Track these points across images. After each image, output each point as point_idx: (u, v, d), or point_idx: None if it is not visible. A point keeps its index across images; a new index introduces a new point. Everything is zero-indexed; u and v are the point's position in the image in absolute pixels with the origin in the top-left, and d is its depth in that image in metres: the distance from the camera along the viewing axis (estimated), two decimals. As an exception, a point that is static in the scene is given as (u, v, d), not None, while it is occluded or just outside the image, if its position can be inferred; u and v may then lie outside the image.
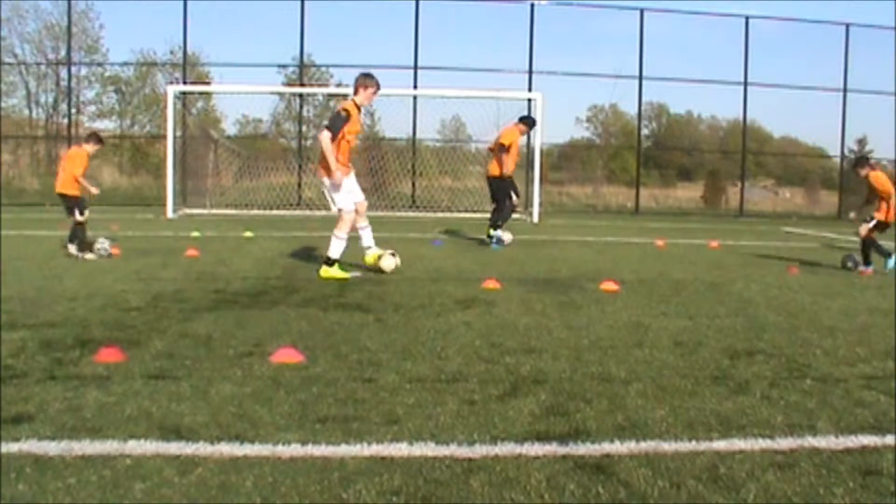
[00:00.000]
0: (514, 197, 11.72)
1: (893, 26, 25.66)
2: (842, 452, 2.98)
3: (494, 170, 11.70)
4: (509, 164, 11.64)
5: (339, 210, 7.74)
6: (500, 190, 11.69)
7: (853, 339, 5.16)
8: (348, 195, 7.78)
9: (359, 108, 7.76)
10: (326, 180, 7.67)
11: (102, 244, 9.38)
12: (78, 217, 9.45)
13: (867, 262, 9.36)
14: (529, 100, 21.39)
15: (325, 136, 7.52)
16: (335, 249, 7.72)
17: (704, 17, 30.10)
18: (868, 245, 9.45)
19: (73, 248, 9.33)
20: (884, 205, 9.37)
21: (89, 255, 9.26)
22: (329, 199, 7.84)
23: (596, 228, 16.22)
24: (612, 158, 32.12)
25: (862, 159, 10.10)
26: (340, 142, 7.59)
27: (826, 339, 5.15)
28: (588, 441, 3.05)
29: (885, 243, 9.61)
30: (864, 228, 9.38)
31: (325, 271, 7.67)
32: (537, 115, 20.50)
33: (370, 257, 8.01)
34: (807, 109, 27.90)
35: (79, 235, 9.42)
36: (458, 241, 12.79)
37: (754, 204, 29.36)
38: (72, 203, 9.52)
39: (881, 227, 9.46)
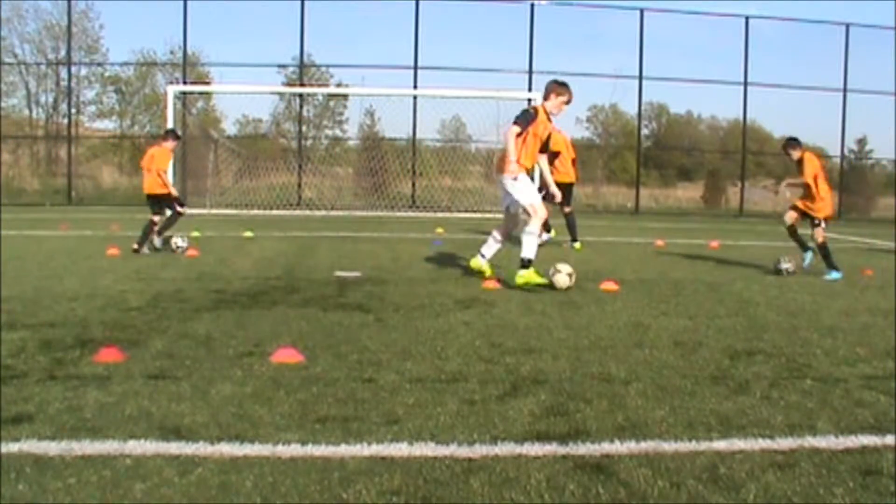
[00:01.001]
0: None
1: (893, 26, 25.67)
2: (842, 452, 2.98)
3: (572, 176, 11.66)
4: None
5: (530, 205, 7.26)
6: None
7: (853, 339, 5.16)
8: (531, 189, 7.40)
9: (547, 115, 7.39)
10: (506, 178, 7.22)
11: (179, 241, 9.77)
12: (179, 209, 10.01)
13: (831, 267, 8.65)
14: (529, 100, 21.37)
15: (512, 129, 7.13)
16: (529, 248, 7.13)
17: (704, 17, 30.10)
18: (792, 234, 9.15)
19: (158, 241, 9.87)
20: (815, 192, 8.73)
21: (171, 246, 9.75)
22: (517, 200, 7.35)
23: (596, 228, 16.21)
24: (612, 158, 32.09)
25: (793, 140, 9.06)
26: (525, 141, 7.25)
27: (826, 339, 5.14)
28: (588, 441, 3.05)
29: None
30: (819, 233, 8.79)
31: (522, 277, 7.04)
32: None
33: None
34: (807, 109, 27.93)
35: (172, 222, 10.00)
36: (458, 241, 12.79)
37: (754, 204, 29.34)
38: (165, 200, 9.96)
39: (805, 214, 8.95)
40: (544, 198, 11.49)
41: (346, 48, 37.15)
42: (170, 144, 10.21)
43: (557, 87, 7.36)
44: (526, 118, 7.24)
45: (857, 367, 4.40)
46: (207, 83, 26.51)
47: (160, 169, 9.87)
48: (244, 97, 25.06)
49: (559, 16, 26.91)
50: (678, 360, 4.45)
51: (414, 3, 24.26)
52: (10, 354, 4.21)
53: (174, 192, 10.02)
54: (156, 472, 2.64)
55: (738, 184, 28.33)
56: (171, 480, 2.58)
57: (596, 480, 2.66)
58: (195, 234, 12.78)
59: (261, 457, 2.81)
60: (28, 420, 3.14)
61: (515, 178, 7.21)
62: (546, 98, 7.41)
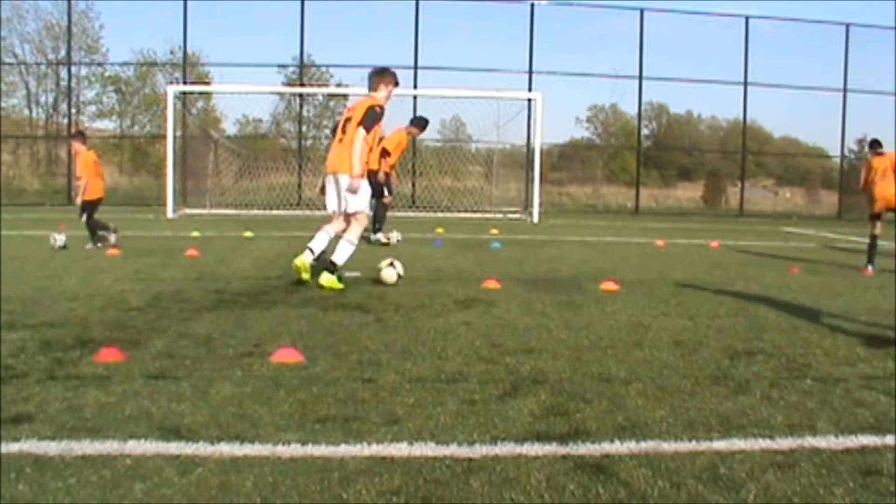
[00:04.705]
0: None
1: (893, 26, 25.71)
2: (842, 452, 2.98)
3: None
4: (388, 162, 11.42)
5: (361, 213, 7.08)
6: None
7: (853, 339, 5.16)
8: (366, 195, 7.16)
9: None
10: (344, 177, 6.98)
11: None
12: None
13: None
14: (529, 100, 21.39)
15: (360, 133, 6.86)
16: (344, 255, 6.96)
17: (704, 17, 30.14)
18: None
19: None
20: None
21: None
22: None
23: (596, 228, 16.22)
24: (612, 158, 32.12)
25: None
26: (371, 142, 7.17)
27: (826, 339, 5.14)
28: (588, 441, 3.05)
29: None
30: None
31: (329, 281, 6.77)
32: (537, 115, 20.54)
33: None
34: (807, 109, 27.99)
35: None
36: (458, 241, 12.79)
37: (754, 204, 29.39)
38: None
39: None
40: (382, 195, 11.39)
41: (346, 48, 37.20)
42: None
43: (385, 77, 7.23)
44: (374, 118, 6.98)
45: (857, 367, 4.40)
46: (207, 83, 26.54)
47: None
48: (244, 97, 25.02)
49: (559, 16, 26.93)
50: (678, 360, 4.45)
51: (414, 3, 24.28)
52: (10, 354, 4.20)
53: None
54: (156, 472, 2.64)
55: (738, 184, 28.36)
56: (171, 480, 2.58)
57: (596, 480, 2.66)
58: (195, 234, 12.79)
59: (261, 457, 2.81)
60: (28, 420, 3.14)
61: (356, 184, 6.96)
62: (375, 89, 7.16)
